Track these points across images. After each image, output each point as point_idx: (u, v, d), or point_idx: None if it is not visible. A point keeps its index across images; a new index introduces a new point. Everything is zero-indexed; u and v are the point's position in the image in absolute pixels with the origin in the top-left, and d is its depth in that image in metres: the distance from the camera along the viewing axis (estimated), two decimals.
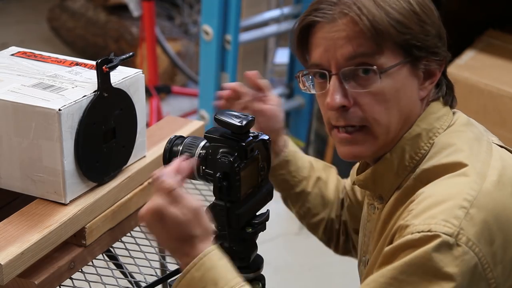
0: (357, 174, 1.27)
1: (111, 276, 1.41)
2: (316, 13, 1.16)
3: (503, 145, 1.23)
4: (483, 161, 1.15)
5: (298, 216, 1.51)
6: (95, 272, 1.40)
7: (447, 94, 1.22)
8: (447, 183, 1.12)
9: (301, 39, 1.20)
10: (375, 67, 1.13)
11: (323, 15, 1.15)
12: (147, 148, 1.53)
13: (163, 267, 1.57)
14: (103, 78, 1.35)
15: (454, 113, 1.23)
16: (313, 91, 1.22)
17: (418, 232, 1.05)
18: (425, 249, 1.04)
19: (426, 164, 1.16)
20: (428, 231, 1.05)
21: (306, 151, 3.49)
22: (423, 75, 1.18)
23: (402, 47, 1.14)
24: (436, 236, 1.04)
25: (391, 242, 1.11)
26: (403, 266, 1.05)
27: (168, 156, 1.24)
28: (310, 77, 1.21)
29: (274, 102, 1.43)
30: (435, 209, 1.07)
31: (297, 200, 1.48)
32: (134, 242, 1.50)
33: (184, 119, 1.74)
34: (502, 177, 1.13)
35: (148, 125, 3.01)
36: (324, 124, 1.23)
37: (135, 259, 1.46)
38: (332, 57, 1.15)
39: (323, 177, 1.49)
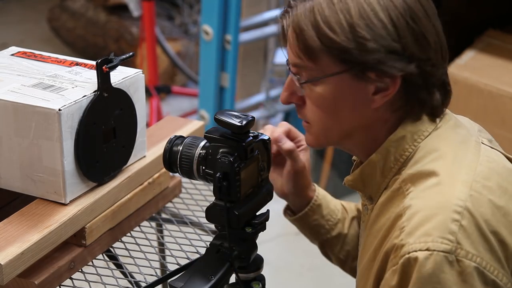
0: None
1: (111, 276, 1.41)
2: (282, 15, 1.20)
3: (494, 146, 1.22)
4: (469, 165, 1.14)
5: (339, 262, 1.49)
6: (95, 272, 1.40)
7: (415, 108, 1.18)
8: (433, 194, 1.10)
9: (283, 36, 1.23)
10: (299, 77, 1.17)
11: (284, 19, 1.19)
12: (147, 148, 1.53)
13: (163, 267, 1.57)
14: (103, 78, 1.35)
15: (445, 114, 1.21)
16: None
17: (416, 251, 1.05)
18: (429, 272, 1.03)
19: (411, 169, 1.15)
20: (426, 249, 1.04)
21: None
22: (375, 87, 1.15)
23: (337, 59, 1.13)
24: (435, 255, 1.04)
25: (385, 261, 1.10)
26: None
27: (168, 156, 1.24)
28: None
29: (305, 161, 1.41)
30: (428, 225, 1.06)
31: (335, 244, 1.46)
32: (134, 242, 1.50)
33: (184, 119, 1.74)
34: (488, 180, 1.12)
35: (148, 125, 3.02)
36: None
37: (135, 259, 1.46)
38: (289, 58, 1.20)
39: (357, 216, 1.48)
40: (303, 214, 1.44)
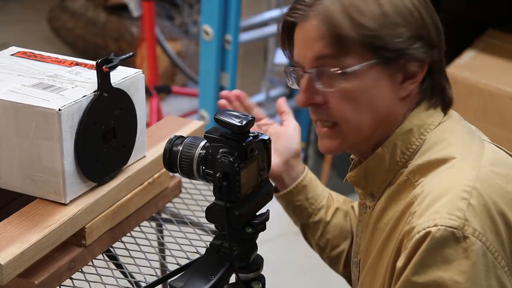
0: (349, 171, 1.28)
1: (111, 276, 1.41)
2: (291, 13, 1.20)
3: (494, 143, 1.24)
4: (476, 153, 1.16)
5: (318, 249, 1.49)
6: (95, 272, 1.40)
7: (435, 94, 1.21)
8: (443, 177, 1.12)
9: (286, 36, 1.23)
10: (336, 69, 1.15)
11: (297, 15, 1.18)
12: (147, 148, 1.53)
13: (163, 267, 1.57)
14: (103, 78, 1.35)
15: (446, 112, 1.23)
16: (295, 86, 1.25)
17: (424, 229, 1.05)
18: (434, 245, 1.04)
19: (419, 160, 1.17)
20: (434, 226, 1.05)
21: (306, 151, 3.49)
22: (403, 75, 1.17)
23: (368, 48, 1.14)
24: (443, 230, 1.04)
25: (398, 249, 1.11)
26: (415, 268, 1.05)
27: (168, 156, 1.24)
28: (294, 73, 1.24)
29: (291, 126, 1.49)
30: (437, 204, 1.07)
31: (315, 230, 1.47)
32: (134, 242, 1.50)
33: (184, 119, 1.74)
34: (496, 167, 1.14)
35: (148, 125, 3.01)
36: None
37: (135, 259, 1.46)
38: (304, 56, 1.19)
39: (342, 208, 1.48)
40: (287, 192, 1.45)
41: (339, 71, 1.15)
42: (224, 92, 1.53)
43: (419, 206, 1.10)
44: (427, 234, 1.05)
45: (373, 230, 1.22)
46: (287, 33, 1.23)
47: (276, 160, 1.43)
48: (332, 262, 1.49)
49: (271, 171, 1.40)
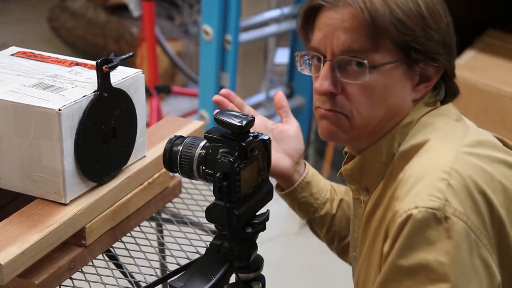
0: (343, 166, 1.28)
1: (111, 276, 1.41)
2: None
3: (493, 133, 1.24)
4: (459, 136, 1.16)
5: (327, 242, 1.50)
6: (95, 272, 1.40)
7: (445, 99, 1.22)
8: (422, 160, 1.13)
9: (307, 20, 1.22)
10: (366, 61, 1.14)
11: (328, 0, 1.16)
12: (147, 148, 1.53)
13: (163, 267, 1.57)
14: (103, 78, 1.35)
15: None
16: (306, 72, 1.24)
17: (406, 212, 1.06)
18: (416, 228, 1.04)
19: (404, 146, 1.18)
20: (415, 208, 1.05)
21: (306, 151, 3.49)
22: (419, 78, 1.18)
23: (400, 47, 1.14)
24: (423, 212, 1.05)
25: (386, 236, 1.12)
26: (399, 251, 1.05)
27: (168, 156, 1.24)
28: (308, 59, 1.23)
29: (294, 124, 1.47)
30: (417, 187, 1.08)
31: (322, 224, 1.48)
32: (134, 242, 1.50)
33: (184, 119, 1.74)
34: (476, 148, 1.14)
35: (148, 125, 3.01)
36: None
37: (135, 259, 1.46)
38: (329, 44, 1.17)
39: (346, 199, 1.48)
40: (292, 190, 1.45)
41: (367, 65, 1.14)
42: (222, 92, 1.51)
43: (401, 190, 1.10)
44: (409, 216, 1.05)
45: (367, 223, 1.23)
46: (310, 15, 1.21)
47: (287, 161, 1.43)
48: (341, 253, 1.50)
49: (284, 173, 1.43)
